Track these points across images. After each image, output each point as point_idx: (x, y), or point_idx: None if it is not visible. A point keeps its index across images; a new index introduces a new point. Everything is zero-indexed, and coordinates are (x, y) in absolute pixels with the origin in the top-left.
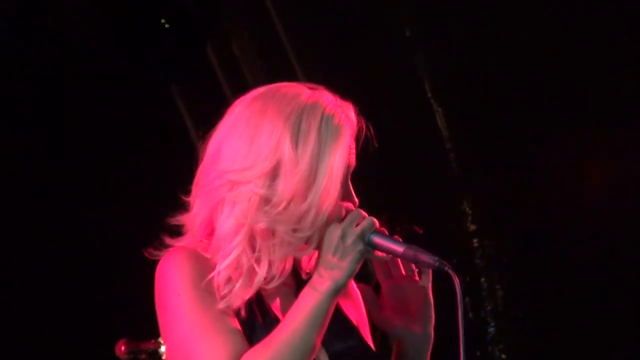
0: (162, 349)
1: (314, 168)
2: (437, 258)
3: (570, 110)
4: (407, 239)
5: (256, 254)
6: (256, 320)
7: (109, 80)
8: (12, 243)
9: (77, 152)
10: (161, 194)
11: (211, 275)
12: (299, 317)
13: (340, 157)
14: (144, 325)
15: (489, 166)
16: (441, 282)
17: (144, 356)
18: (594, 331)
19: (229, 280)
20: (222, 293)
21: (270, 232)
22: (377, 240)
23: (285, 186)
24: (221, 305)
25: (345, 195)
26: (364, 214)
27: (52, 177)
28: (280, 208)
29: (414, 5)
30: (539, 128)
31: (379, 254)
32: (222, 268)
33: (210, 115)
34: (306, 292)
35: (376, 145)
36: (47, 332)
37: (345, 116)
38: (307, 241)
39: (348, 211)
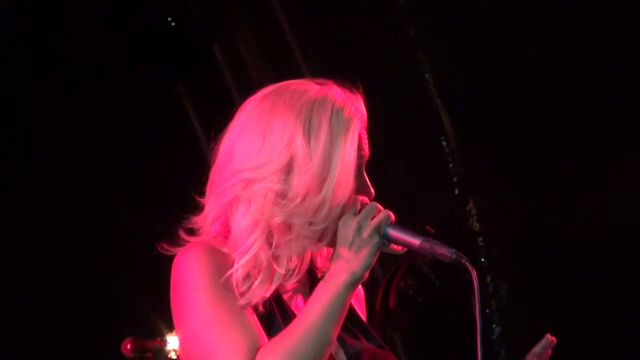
0: (168, 347)
1: (327, 161)
2: (454, 250)
3: (576, 109)
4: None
5: (273, 249)
6: (274, 315)
7: (114, 78)
8: (20, 242)
9: (83, 150)
10: (168, 193)
11: (230, 272)
12: (316, 310)
13: (351, 148)
14: (150, 323)
15: (494, 165)
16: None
17: (149, 354)
18: (600, 330)
19: (247, 276)
20: (241, 290)
21: (287, 227)
22: (393, 233)
23: (300, 181)
24: (241, 302)
25: (361, 187)
26: (380, 207)
27: (59, 175)
28: (297, 202)
29: (419, 4)
30: (545, 127)
31: (395, 247)
32: (241, 265)
33: (216, 113)
34: (323, 285)
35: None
36: (54, 330)
37: (355, 108)
38: (322, 235)
39: (363, 204)
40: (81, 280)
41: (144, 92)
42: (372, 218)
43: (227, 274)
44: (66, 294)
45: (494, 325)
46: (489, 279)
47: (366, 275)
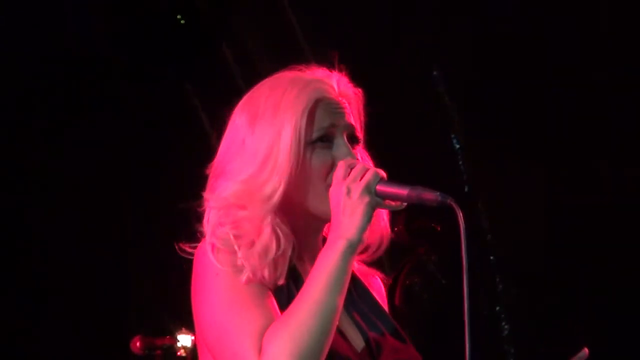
0: (177, 345)
1: (265, 137)
2: (439, 193)
3: (582, 107)
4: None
5: (232, 227)
6: (292, 290)
7: (122, 76)
8: (30, 241)
9: (90, 150)
10: (176, 195)
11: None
12: (317, 282)
13: (294, 123)
14: (159, 321)
15: (504, 163)
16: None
17: (158, 352)
18: (610, 331)
19: (248, 254)
20: (251, 263)
21: (241, 205)
22: (381, 188)
23: (244, 161)
24: (242, 277)
25: (343, 156)
26: (369, 166)
27: (66, 175)
28: (241, 178)
29: (432, 6)
30: (555, 125)
31: (391, 202)
32: (239, 243)
33: (225, 111)
34: (322, 255)
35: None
36: (65, 329)
37: (314, 85)
38: (279, 208)
39: (352, 166)
40: (90, 278)
41: (152, 90)
42: (361, 179)
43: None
44: (75, 292)
45: (503, 324)
46: (497, 278)
47: (365, 238)
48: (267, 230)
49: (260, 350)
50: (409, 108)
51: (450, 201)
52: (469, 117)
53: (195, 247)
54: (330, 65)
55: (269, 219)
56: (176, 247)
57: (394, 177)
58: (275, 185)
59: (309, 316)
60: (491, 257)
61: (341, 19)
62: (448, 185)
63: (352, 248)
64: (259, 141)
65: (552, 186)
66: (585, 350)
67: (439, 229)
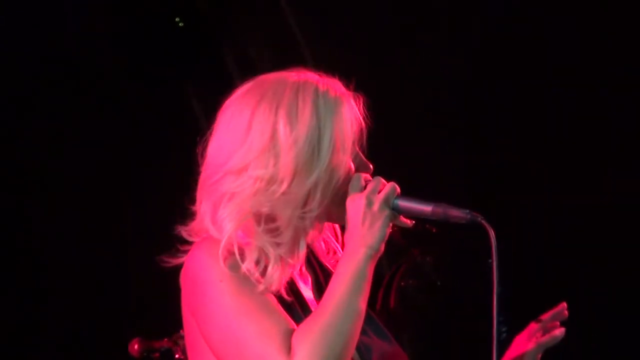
0: (176, 347)
1: (315, 142)
2: (468, 211)
3: (582, 107)
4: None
5: (267, 235)
6: (293, 302)
7: (123, 78)
8: (28, 242)
9: (91, 150)
10: (176, 197)
11: (243, 266)
12: (341, 287)
13: (344, 128)
14: (158, 324)
15: (504, 163)
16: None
17: (157, 355)
18: (610, 331)
19: (257, 263)
20: (256, 276)
21: (276, 214)
22: (403, 203)
23: (286, 165)
24: (260, 287)
25: (359, 166)
26: (384, 181)
27: (65, 175)
28: (284, 187)
29: (432, 6)
30: (554, 125)
31: (404, 219)
32: (248, 254)
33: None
34: (344, 261)
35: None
36: (63, 332)
37: (340, 88)
38: (317, 219)
39: (368, 180)
40: (90, 279)
41: (152, 90)
42: (379, 192)
43: (242, 268)
44: (75, 293)
45: (502, 328)
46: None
47: (382, 248)
48: (302, 248)
49: (289, 351)
50: (409, 108)
51: (482, 220)
52: (469, 117)
53: (183, 253)
54: (332, 72)
55: (302, 235)
56: (159, 261)
57: (394, 177)
58: (325, 209)
59: (337, 318)
60: (489, 260)
61: (341, 19)
62: (447, 186)
63: (373, 256)
64: (303, 143)
65: (552, 186)
66: (563, 306)
67: (434, 230)
